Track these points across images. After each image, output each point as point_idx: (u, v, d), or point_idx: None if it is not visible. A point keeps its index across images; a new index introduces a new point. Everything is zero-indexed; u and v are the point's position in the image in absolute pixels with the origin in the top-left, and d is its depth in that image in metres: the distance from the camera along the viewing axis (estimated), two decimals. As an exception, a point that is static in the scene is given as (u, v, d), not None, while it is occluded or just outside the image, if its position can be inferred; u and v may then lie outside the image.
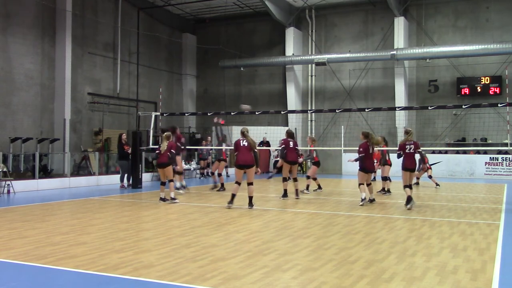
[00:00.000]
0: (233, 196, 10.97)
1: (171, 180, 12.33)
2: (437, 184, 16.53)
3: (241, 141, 11.06)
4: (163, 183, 12.34)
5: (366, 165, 11.80)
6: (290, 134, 13.33)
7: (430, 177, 16.67)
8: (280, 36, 26.28)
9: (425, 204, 11.85)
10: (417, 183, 16.99)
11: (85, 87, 21.71)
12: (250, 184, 11.02)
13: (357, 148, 12.18)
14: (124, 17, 23.65)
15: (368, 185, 11.89)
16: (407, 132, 11.95)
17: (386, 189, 14.44)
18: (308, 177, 15.17)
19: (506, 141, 16.28)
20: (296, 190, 12.98)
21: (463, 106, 15.67)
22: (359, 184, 11.76)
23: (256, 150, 11.08)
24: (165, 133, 12.53)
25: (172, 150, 12.20)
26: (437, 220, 9.40)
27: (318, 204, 11.72)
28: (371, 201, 11.95)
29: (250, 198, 11.02)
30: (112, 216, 9.77)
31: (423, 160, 15.77)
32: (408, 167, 11.29)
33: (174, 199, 12.00)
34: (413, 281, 5.15)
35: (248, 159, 10.93)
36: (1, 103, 18.05)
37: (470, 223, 9.06)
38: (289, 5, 25.54)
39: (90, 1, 21.85)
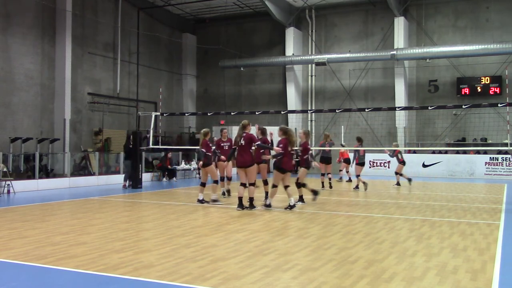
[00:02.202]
0: (240, 199, 10.50)
1: (215, 181, 11.60)
2: (409, 180, 16.49)
3: (240, 138, 10.53)
4: (202, 184, 11.66)
5: (283, 164, 10.56)
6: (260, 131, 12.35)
7: (398, 173, 16.72)
8: (280, 36, 26.28)
9: (425, 204, 11.85)
10: (398, 184, 16.81)
11: (85, 87, 21.71)
12: (251, 184, 10.52)
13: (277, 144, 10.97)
14: (124, 17, 23.65)
15: (286, 187, 10.65)
16: (307, 134, 11.77)
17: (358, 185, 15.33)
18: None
19: (506, 141, 16.28)
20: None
21: (463, 106, 15.67)
22: (274, 186, 10.62)
23: (255, 144, 10.56)
24: (203, 130, 11.83)
25: (202, 149, 11.38)
26: (437, 220, 9.40)
27: (318, 204, 11.71)
28: (268, 206, 10.73)
29: (239, 199, 10.44)
30: (112, 216, 9.77)
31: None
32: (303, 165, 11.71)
33: (215, 200, 11.38)
34: (413, 281, 5.14)
35: (247, 159, 10.50)
36: (1, 103, 18.05)
37: (470, 223, 9.05)
38: (289, 5, 25.54)
39: (90, 1, 21.85)
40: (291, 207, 10.53)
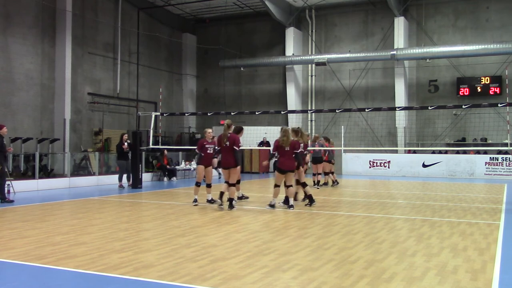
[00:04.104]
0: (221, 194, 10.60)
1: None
2: (334, 182, 16.77)
3: (224, 139, 10.44)
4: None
5: (280, 164, 10.77)
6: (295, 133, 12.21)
7: (332, 173, 16.81)
8: (280, 36, 26.28)
9: (425, 204, 11.85)
10: (336, 182, 16.90)
11: (85, 87, 21.72)
12: (232, 185, 10.49)
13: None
14: (124, 17, 23.65)
15: (288, 187, 10.72)
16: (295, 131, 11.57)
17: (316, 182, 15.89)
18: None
19: (506, 141, 16.28)
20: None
21: (463, 106, 15.68)
22: (276, 185, 10.81)
23: (236, 148, 10.37)
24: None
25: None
26: (437, 220, 9.40)
27: (318, 204, 11.70)
28: (272, 206, 10.75)
29: (230, 199, 10.45)
30: (112, 216, 9.77)
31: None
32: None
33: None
34: (413, 281, 5.14)
35: (231, 160, 10.38)
36: (1, 103, 18.05)
37: (470, 223, 9.05)
38: (289, 5, 25.54)
39: (90, 1, 21.85)
40: (289, 206, 10.68)
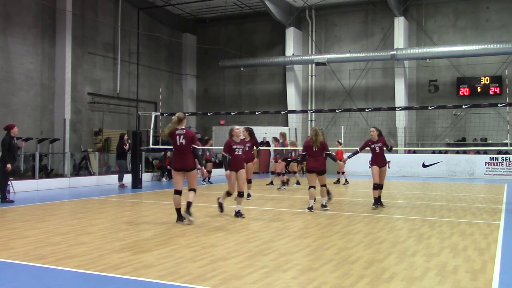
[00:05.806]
0: (178, 210, 8.76)
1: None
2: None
3: (178, 137, 8.64)
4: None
5: (306, 164, 10.72)
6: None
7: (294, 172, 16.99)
8: (280, 36, 26.28)
9: (425, 204, 11.85)
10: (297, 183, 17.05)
11: (85, 87, 21.72)
12: (192, 190, 8.79)
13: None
14: (124, 17, 23.65)
15: (321, 186, 10.63)
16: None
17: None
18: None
19: (506, 141, 16.28)
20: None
21: (463, 106, 15.69)
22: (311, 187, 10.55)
23: (195, 145, 8.70)
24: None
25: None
26: (437, 220, 9.40)
27: (318, 204, 11.70)
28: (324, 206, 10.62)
29: (188, 204, 8.60)
30: (112, 216, 9.76)
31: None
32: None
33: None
34: (413, 281, 5.14)
35: (189, 161, 8.67)
36: (1, 103, 18.05)
37: (470, 223, 9.05)
38: (289, 5, 25.55)
39: (90, 1, 21.86)
40: (322, 206, 10.69)
